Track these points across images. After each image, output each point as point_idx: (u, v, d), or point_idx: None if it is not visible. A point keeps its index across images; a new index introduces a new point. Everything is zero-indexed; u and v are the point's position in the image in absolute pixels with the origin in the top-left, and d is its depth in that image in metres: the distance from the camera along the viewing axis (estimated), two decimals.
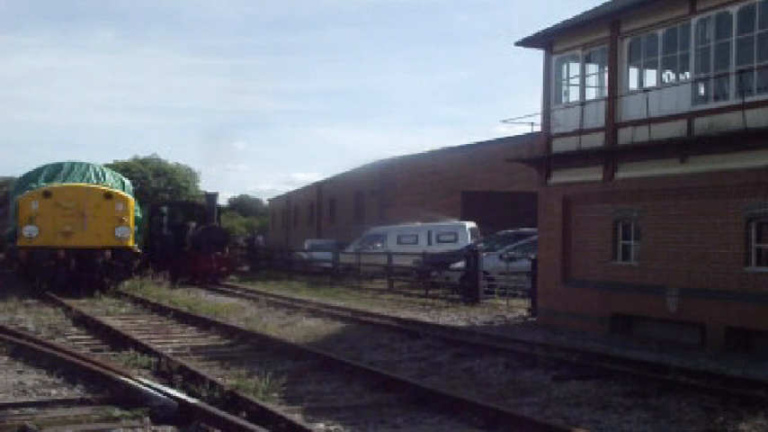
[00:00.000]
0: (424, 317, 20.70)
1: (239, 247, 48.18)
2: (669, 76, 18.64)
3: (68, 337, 16.23)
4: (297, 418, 8.85)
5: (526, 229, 28.37)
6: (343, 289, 30.15)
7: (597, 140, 19.41)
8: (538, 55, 21.68)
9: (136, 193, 32.45)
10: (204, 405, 9.03)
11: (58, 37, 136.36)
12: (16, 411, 9.34)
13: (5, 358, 13.18)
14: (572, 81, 20.83)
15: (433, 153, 45.37)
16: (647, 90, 18.23)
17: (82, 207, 26.77)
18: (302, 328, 17.65)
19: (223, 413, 8.64)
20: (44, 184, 28.88)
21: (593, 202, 19.53)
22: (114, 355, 13.79)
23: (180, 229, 34.80)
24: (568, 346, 15.10)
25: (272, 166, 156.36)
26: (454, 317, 20.96)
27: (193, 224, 34.34)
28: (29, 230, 26.38)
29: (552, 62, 21.07)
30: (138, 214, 29.81)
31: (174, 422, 8.82)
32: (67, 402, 9.81)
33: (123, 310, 21.67)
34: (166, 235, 35.25)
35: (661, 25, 17.98)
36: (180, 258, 33.26)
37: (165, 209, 37.27)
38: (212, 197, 34.82)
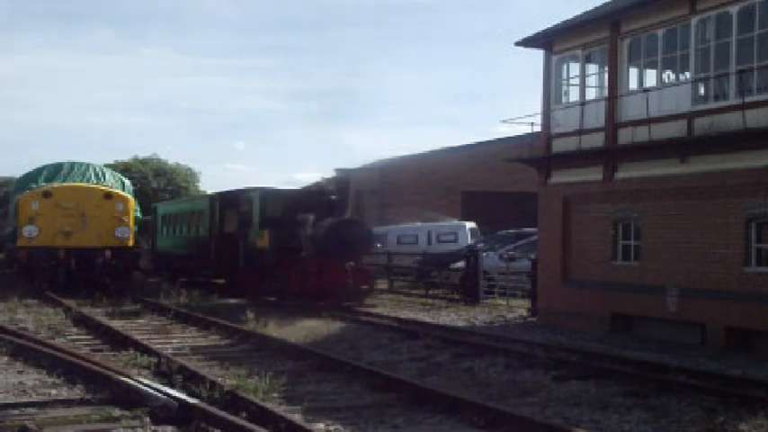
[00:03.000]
0: (424, 317, 20.69)
1: None
2: (669, 76, 18.63)
3: (68, 337, 16.23)
4: (297, 418, 8.85)
5: (526, 229, 28.36)
6: None
7: (597, 140, 19.40)
8: (538, 55, 21.69)
9: (136, 193, 32.44)
10: (204, 405, 9.02)
11: (58, 37, 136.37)
12: (16, 411, 9.34)
13: (5, 358, 13.18)
14: (572, 81, 20.82)
15: (433, 153, 45.34)
16: (647, 90, 18.22)
17: (82, 207, 26.78)
18: (302, 328, 17.64)
19: (223, 413, 8.63)
20: (44, 184, 28.91)
21: (593, 202, 19.52)
22: (114, 355, 13.79)
23: (285, 227, 24.12)
24: (568, 346, 15.09)
25: (271, 167, 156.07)
26: (454, 317, 20.95)
27: (311, 217, 23.30)
28: (29, 230, 26.39)
29: (552, 62, 21.06)
30: (138, 214, 29.81)
31: (174, 422, 8.82)
32: (67, 402, 9.81)
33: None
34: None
35: (661, 25, 17.97)
36: (287, 269, 23.49)
37: (253, 197, 25.83)
38: (344, 180, 24.22)
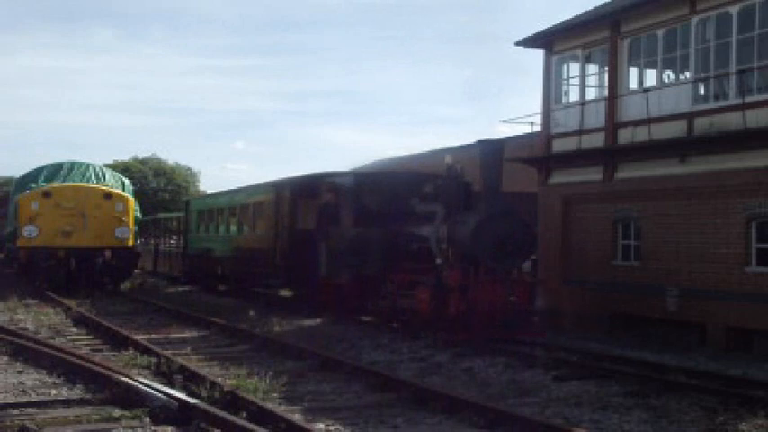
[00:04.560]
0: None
1: None
2: (669, 76, 18.64)
3: (68, 337, 16.22)
4: (297, 418, 8.84)
5: None
6: None
7: (597, 140, 19.42)
8: (538, 55, 21.71)
9: (136, 193, 32.43)
10: (204, 405, 9.02)
11: (58, 37, 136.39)
12: (16, 411, 9.33)
13: (5, 358, 13.18)
14: (572, 81, 20.85)
15: (433, 153, 45.32)
16: (647, 90, 18.24)
17: (82, 207, 26.78)
18: (302, 328, 17.64)
19: (223, 413, 8.63)
20: (44, 184, 28.90)
21: (593, 202, 19.53)
22: (114, 355, 13.78)
23: (394, 223, 17.77)
24: (568, 346, 15.08)
25: (271, 167, 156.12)
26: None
27: (441, 209, 16.56)
28: (29, 230, 26.39)
29: (552, 62, 21.08)
30: (138, 214, 29.79)
31: (174, 422, 8.81)
32: (67, 402, 9.80)
33: None
34: (358, 233, 18.30)
35: (661, 25, 17.98)
36: (404, 283, 16.90)
37: (343, 183, 19.55)
38: (493, 158, 16.06)
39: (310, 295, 20.72)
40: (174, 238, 39.39)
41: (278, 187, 22.99)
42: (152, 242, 42.22)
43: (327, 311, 19.39)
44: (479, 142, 16.28)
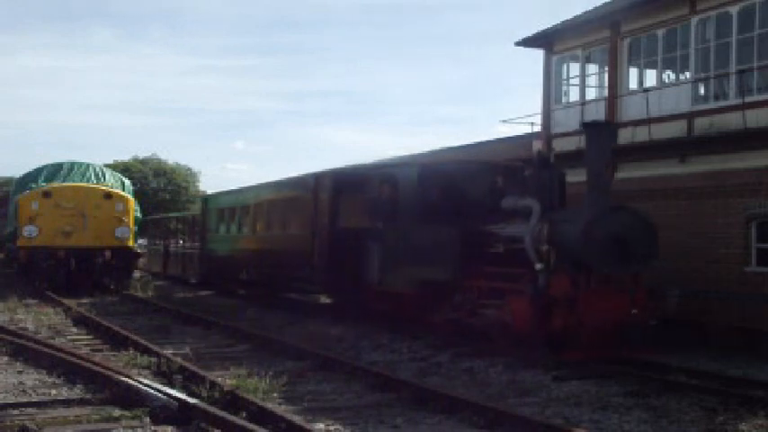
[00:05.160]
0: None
1: None
2: (669, 76, 18.64)
3: (68, 337, 16.23)
4: (297, 418, 8.83)
5: None
6: None
7: None
8: (538, 55, 21.71)
9: (136, 193, 32.43)
10: (204, 405, 9.02)
11: (57, 37, 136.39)
12: (16, 411, 9.34)
13: (5, 358, 13.18)
14: (572, 81, 20.85)
15: (432, 153, 45.28)
16: (647, 90, 18.24)
17: (82, 207, 26.78)
18: (301, 328, 17.64)
19: (223, 413, 8.63)
20: (44, 184, 28.90)
21: None
22: (114, 355, 13.79)
23: (470, 220, 15.20)
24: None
25: (271, 166, 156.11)
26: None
27: (537, 205, 14.04)
28: (29, 230, 26.40)
29: (552, 62, 21.08)
30: (138, 214, 29.79)
31: (174, 422, 8.81)
32: (67, 402, 9.80)
33: None
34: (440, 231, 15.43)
35: (661, 25, 17.99)
36: (489, 291, 14.40)
37: (403, 174, 17.05)
38: (602, 143, 13.77)
39: (358, 303, 18.15)
40: (183, 237, 37.40)
41: (316, 180, 19.98)
42: (160, 242, 39.81)
43: (379, 322, 16.90)
44: (585, 124, 14.17)
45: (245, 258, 24.92)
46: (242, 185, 27.32)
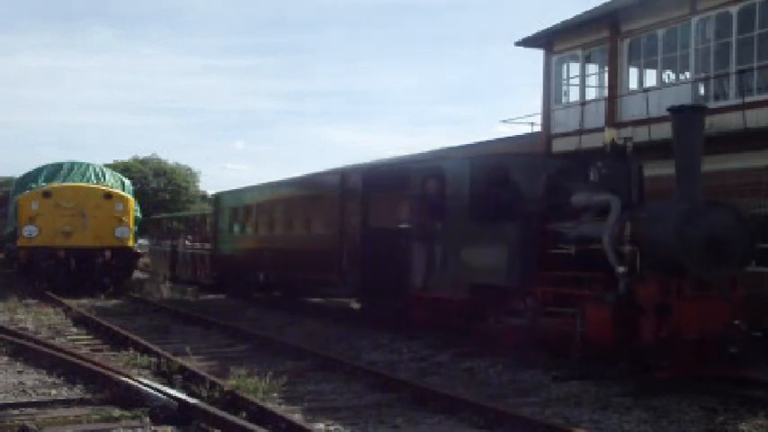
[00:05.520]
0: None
1: None
2: (669, 75, 18.66)
3: (68, 337, 16.23)
4: (297, 418, 8.84)
5: None
6: None
7: (597, 140, 19.40)
8: (538, 55, 21.73)
9: (136, 193, 32.42)
10: (204, 405, 9.02)
11: (57, 37, 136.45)
12: (16, 411, 9.34)
13: (5, 358, 13.18)
14: (572, 81, 20.87)
15: (432, 153, 45.30)
16: (647, 90, 18.25)
17: (82, 207, 26.78)
18: (301, 329, 17.64)
19: (223, 413, 8.63)
20: (44, 184, 28.90)
21: None
22: (114, 355, 13.79)
23: (530, 219, 13.56)
24: None
25: (271, 166, 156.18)
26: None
27: (617, 201, 12.22)
28: (29, 230, 26.40)
29: (552, 62, 21.09)
30: (138, 214, 29.79)
31: (174, 422, 8.82)
32: (67, 402, 9.80)
33: None
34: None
35: (661, 25, 18.00)
36: (555, 298, 12.80)
37: (453, 168, 15.33)
38: (692, 130, 11.89)
39: (396, 310, 16.51)
40: (191, 238, 35.87)
41: (343, 177, 18.76)
42: (166, 243, 37.90)
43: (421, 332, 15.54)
44: (672, 109, 12.13)
45: (262, 260, 23.32)
46: (260, 182, 25.68)
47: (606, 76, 19.60)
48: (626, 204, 12.24)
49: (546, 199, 13.81)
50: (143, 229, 37.14)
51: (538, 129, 21.83)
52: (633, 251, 11.53)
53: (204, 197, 77.46)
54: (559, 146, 20.62)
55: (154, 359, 12.65)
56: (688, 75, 17.70)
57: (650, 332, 10.85)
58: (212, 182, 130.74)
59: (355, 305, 20.61)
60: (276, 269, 22.32)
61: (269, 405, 9.28)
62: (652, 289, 11.10)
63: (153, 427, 8.71)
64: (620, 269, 11.41)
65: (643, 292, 11.11)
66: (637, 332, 11.03)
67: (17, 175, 37.13)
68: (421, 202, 15.71)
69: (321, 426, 8.90)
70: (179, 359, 12.42)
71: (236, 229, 26.27)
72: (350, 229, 17.93)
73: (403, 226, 16.61)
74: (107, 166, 38.72)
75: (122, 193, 28.72)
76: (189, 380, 10.93)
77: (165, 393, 9.46)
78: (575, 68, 20.69)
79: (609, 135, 13.02)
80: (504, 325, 13.59)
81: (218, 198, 28.97)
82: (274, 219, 23.09)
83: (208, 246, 30.08)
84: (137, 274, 31.94)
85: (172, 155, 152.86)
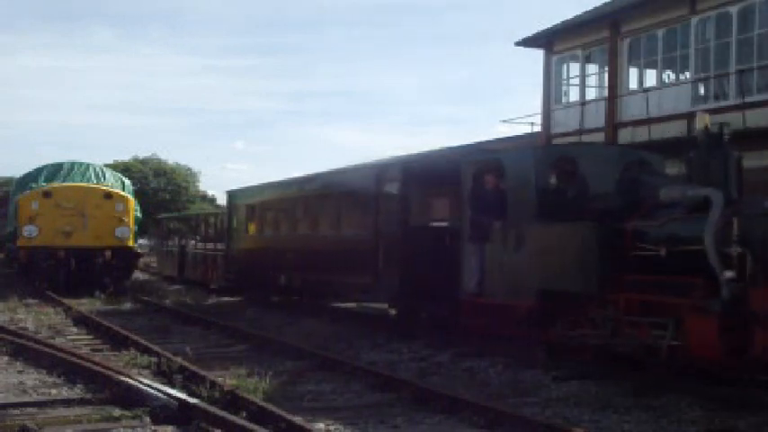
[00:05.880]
0: (423, 316, 20.58)
1: None
2: (669, 75, 18.66)
3: (68, 337, 16.23)
4: (297, 418, 8.83)
5: None
6: None
7: (597, 140, 19.41)
8: (538, 55, 21.72)
9: (136, 193, 32.43)
10: (204, 405, 9.02)
11: (58, 37, 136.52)
12: (16, 411, 9.34)
13: (5, 358, 13.18)
14: (572, 81, 20.87)
15: (432, 153, 45.28)
16: (647, 90, 18.26)
17: (82, 207, 26.78)
18: (300, 328, 17.64)
19: (223, 413, 8.63)
20: (44, 184, 28.92)
21: None
22: (114, 355, 13.79)
23: (621, 213, 12.01)
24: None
25: (271, 166, 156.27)
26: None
27: (716, 196, 10.55)
28: (29, 230, 26.41)
29: (552, 62, 21.10)
30: (138, 214, 29.79)
31: (174, 422, 8.82)
32: (67, 402, 9.80)
33: None
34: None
35: (661, 25, 18.01)
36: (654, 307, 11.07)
37: (512, 161, 13.70)
38: None
39: (444, 317, 14.97)
40: (199, 237, 34.44)
41: (380, 172, 17.24)
42: (173, 243, 36.62)
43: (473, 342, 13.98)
44: None
45: (283, 262, 21.71)
46: (281, 179, 23.80)
47: (606, 76, 19.62)
48: (727, 200, 10.63)
49: (623, 193, 12.44)
50: (143, 229, 37.03)
51: (538, 129, 21.84)
52: (743, 253, 9.99)
53: (204, 197, 77.57)
54: None
55: (154, 359, 12.65)
56: (688, 75, 17.71)
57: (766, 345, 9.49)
58: (212, 182, 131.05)
59: (375, 307, 19.53)
60: (300, 271, 20.89)
61: (269, 405, 9.28)
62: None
63: (153, 427, 8.71)
64: (728, 274, 10.00)
65: (758, 300, 9.63)
66: (748, 345, 9.68)
67: (17, 175, 37.16)
68: (475, 198, 14.03)
69: (321, 426, 8.90)
70: (179, 359, 12.43)
71: (254, 228, 24.67)
72: (387, 228, 16.49)
73: (448, 224, 15.32)
74: (107, 166, 38.73)
75: (122, 193, 28.73)
76: (189, 380, 10.92)
77: (165, 393, 9.46)
78: (575, 68, 20.71)
79: (702, 121, 11.46)
80: (577, 336, 12.03)
81: (230, 195, 27.22)
82: (298, 217, 21.56)
83: (220, 246, 28.79)
84: (137, 274, 31.93)
85: (172, 155, 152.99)
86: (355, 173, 18.74)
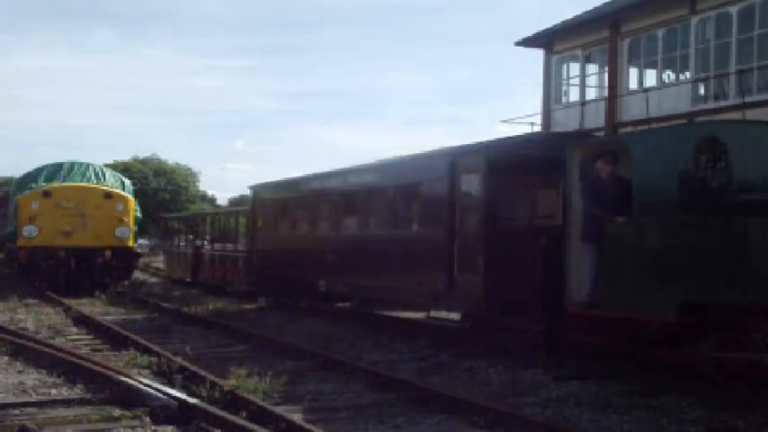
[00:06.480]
0: (423, 316, 20.61)
1: None
2: (669, 75, 18.67)
3: (68, 337, 16.23)
4: (297, 418, 8.83)
5: None
6: None
7: None
8: (538, 55, 21.73)
9: (136, 193, 32.43)
10: (204, 405, 9.02)
11: (58, 37, 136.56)
12: (16, 411, 9.33)
13: (5, 358, 13.18)
14: (572, 81, 20.87)
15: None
16: (647, 90, 18.27)
17: (82, 207, 26.79)
18: (301, 328, 17.64)
19: (223, 413, 8.63)
20: (44, 184, 28.93)
21: None
22: (114, 355, 13.79)
23: None
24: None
25: (271, 166, 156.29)
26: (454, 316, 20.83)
27: None
28: (29, 230, 26.43)
29: (552, 62, 21.10)
30: (138, 214, 29.79)
31: (174, 422, 8.82)
32: (67, 402, 9.80)
33: None
34: None
35: (661, 25, 18.01)
36: None
37: (654, 141, 11.25)
38: None
39: (545, 331, 12.80)
40: (211, 238, 32.88)
41: (455, 160, 14.73)
42: (185, 244, 35.09)
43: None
44: None
45: (322, 265, 19.27)
46: (318, 171, 21.17)
47: (606, 76, 19.63)
48: None
49: None
50: (143, 229, 36.89)
51: (538, 129, 21.84)
52: None
53: (204, 197, 77.58)
54: None
55: (154, 359, 12.65)
56: (688, 75, 17.72)
57: None
58: (212, 182, 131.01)
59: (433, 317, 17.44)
60: (344, 276, 18.44)
61: (269, 405, 9.28)
62: None
63: (153, 427, 8.71)
64: None
65: None
66: None
67: (17, 175, 37.16)
68: (589, 189, 11.73)
69: (321, 426, 8.89)
70: (179, 359, 12.42)
71: (285, 226, 22.15)
72: (465, 227, 14.25)
73: (545, 221, 13.38)
74: (107, 166, 38.73)
75: (122, 192, 28.73)
76: (189, 380, 10.93)
77: (165, 393, 9.46)
78: (575, 68, 20.71)
79: None
80: (734, 358, 10.15)
81: (257, 191, 24.27)
82: (344, 214, 19.02)
83: (240, 247, 27.22)
84: (143, 277, 31.89)
85: (172, 155, 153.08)
86: (420, 162, 16.39)
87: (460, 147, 15.40)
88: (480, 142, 14.97)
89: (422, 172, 15.87)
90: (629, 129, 18.21)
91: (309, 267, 19.84)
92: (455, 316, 16.10)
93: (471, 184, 14.18)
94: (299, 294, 21.10)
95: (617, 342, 11.42)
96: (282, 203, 22.38)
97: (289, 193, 22.13)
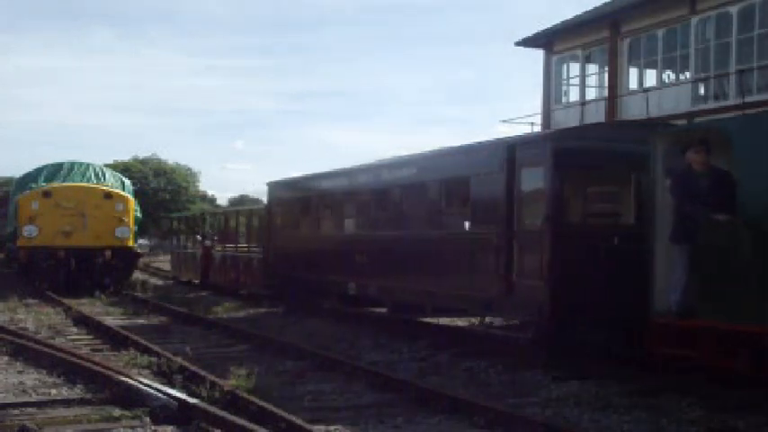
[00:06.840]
0: (423, 317, 20.61)
1: None
2: (669, 75, 18.67)
3: (68, 337, 16.23)
4: (297, 418, 8.84)
5: None
6: None
7: None
8: (538, 55, 21.73)
9: (136, 193, 32.42)
10: (204, 405, 9.03)
11: (58, 37, 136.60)
12: (16, 411, 9.34)
13: (5, 358, 13.18)
14: (572, 81, 20.87)
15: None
16: (647, 90, 18.26)
17: (82, 207, 26.80)
18: (301, 328, 17.63)
19: (223, 413, 8.63)
20: (44, 184, 28.93)
21: None
22: (114, 355, 13.79)
23: None
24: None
25: (271, 166, 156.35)
26: (454, 317, 20.84)
27: None
28: (29, 230, 26.43)
29: (552, 62, 21.10)
30: (138, 214, 29.79)
31: (174, 422, 8.82)
32: (67, 402, 9.80)
33: None
34: None
35: (661, 25, 18.01)
36: None
37: (758, 125, 9.99)
38: None
39: (624, 344, 12.17)
40: (219, 238, 32.09)
41: (514, 149, 13.25)
42: (193, 245, 33.77)
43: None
44: None
45: (352, 267, 18.02)
46: (344, 166, 19.72)
47: (606, 76, 19.63)
48: None
49: None
50: (143, 229, 36.84)
51: (538, 129, 21.84)
52: None
53: (204, 197, 77.59)
54: None
55: (154, 359, 12.65)
56: (688, 75, 17.72)
57: None
58: (212, 182, 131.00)
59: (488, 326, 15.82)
60: (379, 279, 17.06)
61: (269, 405, 9.28)
62: None
63: (153, 427, 8.71)
64: None
65: None
66: None
67: (17, 175, 37.17)
68: (681, 182, 10.34)
69: (321, 426, 8.90)
70: (179, 359, 12.43)
71: (305, 226, 20.92)
72: (526, 225, 12.98)
73: (622, 220, 12.60)
74: (107, 166, 38.72)
75: (122, 192, 28.73)
76: (189, 380, 10.92)
77: (165, 393, 9.46)
78: (575, 68, 20.72)
79: None
80: None
81: (274, 188, 22.94)
82: (378, 212, 17.72)
83: (255, 247, 26.12)
84: (136, 275, 31.90)
85: (172, 155, 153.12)
86: (469, 154, 14.97)
87: (519, 137, 14.35)
88: (543, 132, 13.77)
89: (472, 165, 14.49)
90: None
91: (338, 270, 18.48)
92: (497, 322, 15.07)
93: (534, 177, 12.79)
94: (324, 298, 19.75)
95: (714, 356, 10.16)
96: (305, 201, 21.06)
97: (312, 189, 20.63)
